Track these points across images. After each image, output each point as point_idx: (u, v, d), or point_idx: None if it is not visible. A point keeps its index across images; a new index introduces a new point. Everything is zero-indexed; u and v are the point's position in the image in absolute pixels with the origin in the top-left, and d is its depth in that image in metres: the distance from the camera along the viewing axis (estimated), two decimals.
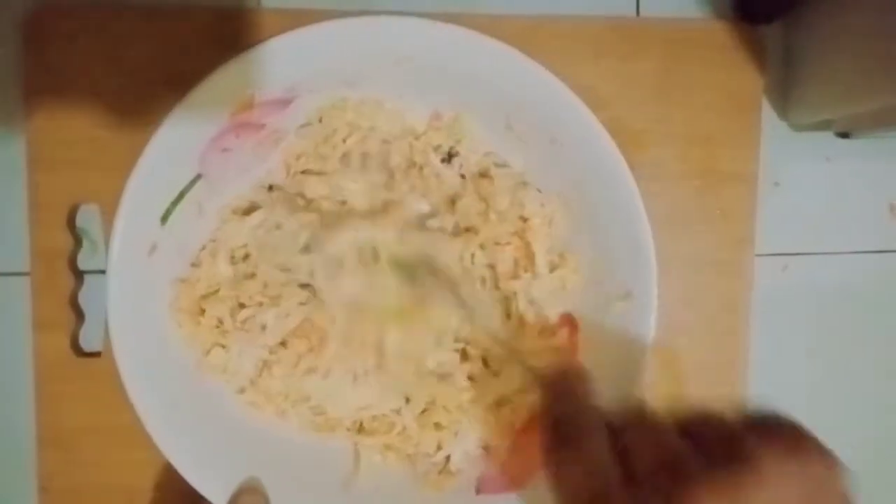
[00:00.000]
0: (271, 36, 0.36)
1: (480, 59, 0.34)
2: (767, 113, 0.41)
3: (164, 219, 0.34)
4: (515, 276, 0.37)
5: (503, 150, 0.38)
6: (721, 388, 0.41)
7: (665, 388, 0.40)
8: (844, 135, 0.42)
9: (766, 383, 0.42)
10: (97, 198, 0.37)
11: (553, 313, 0.38)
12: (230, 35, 0.37)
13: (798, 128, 0.42)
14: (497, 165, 0.37)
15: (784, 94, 0.41)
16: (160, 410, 0.33)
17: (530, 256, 0.37)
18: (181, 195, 0.34)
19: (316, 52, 0.34)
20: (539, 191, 0.37)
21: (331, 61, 0.34)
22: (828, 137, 0.42)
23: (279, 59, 0.33)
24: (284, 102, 0.35)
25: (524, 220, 0.37)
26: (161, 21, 0.37)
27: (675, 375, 0.40)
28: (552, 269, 0.37)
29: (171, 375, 0.34)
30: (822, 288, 0.43)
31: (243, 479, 0.34)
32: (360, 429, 0.37)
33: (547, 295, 0.37)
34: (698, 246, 0.40)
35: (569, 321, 0.37)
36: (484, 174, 0.37)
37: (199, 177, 0.34)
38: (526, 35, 0.38)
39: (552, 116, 0.35)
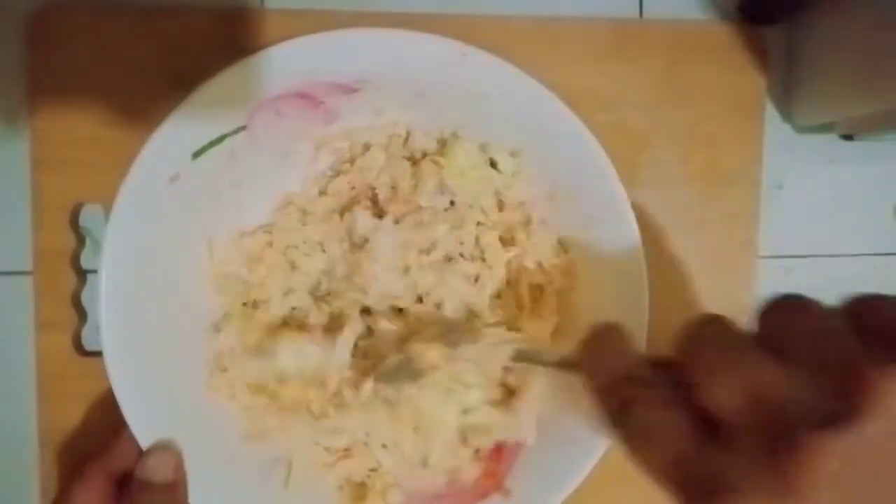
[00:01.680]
0: (275, 36, 0.36)
1: (553, 125, 0.34)
2: (771, 115, 0.41)
3: (197, 155, 0.33)
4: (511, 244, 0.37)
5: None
6: None
7: None
8: (848, 137, 0.42)
9: None
10: (100, 197, 0.37)
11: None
12: (233, 35, 0.37)
13: (801, 130, 0.42)
14: (542, 222, 0.37)
15: (787, 96, 0.41)
16: (128, 368, 0.32)
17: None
18: (222, 138, 0.33)
19: (387, 58, 0.33)
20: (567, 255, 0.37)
21: (402, 72, 0.34)
22: (831, 140, 0.42)
23: (357, 50, 0.33)
24: (351, 90, 0.35)
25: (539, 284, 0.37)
26: (163, 21, 0.37)
27: None
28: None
29: (151, 328, 0.33)
30: (824, 291, 0.42)
31: (156, 440, 0.32)
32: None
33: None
34: (700, 248, 0.40)
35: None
36: (525, 224, 0.37)
37: (243, 128, 0.34)
38: (528, 37, 0.38)
39: (592, 196, 0.34)
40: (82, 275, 0.37)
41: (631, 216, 0.34)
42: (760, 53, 0.40)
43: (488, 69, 0.33)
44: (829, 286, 0.42)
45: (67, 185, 0.36)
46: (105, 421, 0.37)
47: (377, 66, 0.33)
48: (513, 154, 0.36)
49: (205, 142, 0.33)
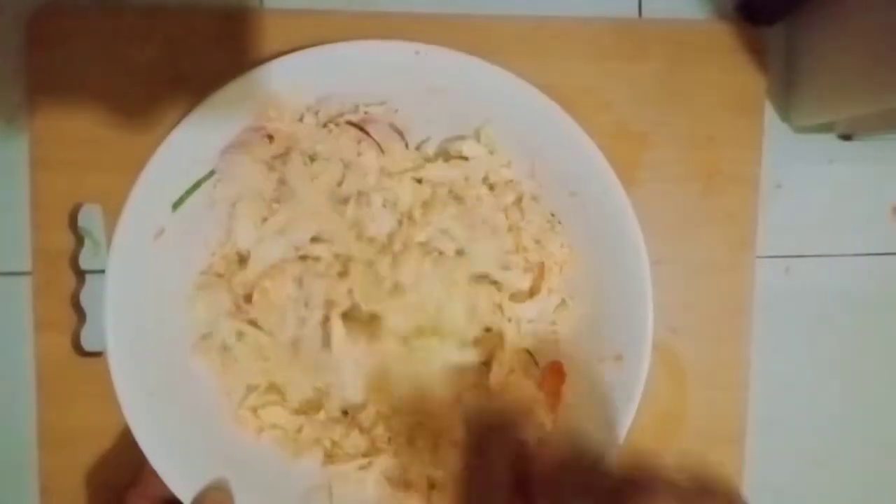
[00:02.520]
0: (273, 37, 0.36)
1: (517, 103, 0.34)
2: (770, 115, 0.41)
3: (176, 206, 0.34)
4: (515, 300, 0.37)
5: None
6: (722, 390, 0.40)
7: (667, 389, 0.40)
8: (847, 137, 0.42)
9: (768, 385, 0.42)
10: (99, 197, 0.37)
11: (541, 358, 0.37)
12: (232, 35, 0.37)
13: (800, 130, 0.42)
14: (533, 198, 0.37)
15: (786, 95, 0.41)
16: (144, 404, 0.33)
17: (534, 291, 0.37)
18: (197, 185, 0.34)
19: (354, 69, 0.33)
20: (561, 226, 0.37)
21: (367, 80, 0.34)
22: (830, 140, 0.42)
23: (308, 71, 0.33)
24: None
25: (540, 261, 0.37)
26: (163, 21, 0.37)
27: (677, 377, 0.40)
28: (552, 310, 0.37)
29: (161, 366, 0.34)
30: (823, 290, 0.43)
31: (212, 479, 0.34)
32: (330, 458, 0.36)
33: (537, 335, 0.37)
34: (700, 248, 0.40)
35: (557, 370, 0.37)
36: (517, 202, 0.37)
37: (216, 169, 0.34)
38: (528, 36, 0.38)
39: (576, 171, 0.35)
40: (81, 275, 0.37)
41: (612, 176, 0.34)
42: (759, 53, 0.40)
43: (444, 62, 0.33)
44: (828, 286, 0.43)
45: (66, 184, 0.36)
46: (104, 421, 0.37)
47: (335, 83, 0.34)
48: (476, 135, 0.36)
49: (181, 191, 0.33)
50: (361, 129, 0.35)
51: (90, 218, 0.37)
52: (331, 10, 0.37)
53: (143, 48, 0.37)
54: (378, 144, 0.35)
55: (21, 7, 0.36)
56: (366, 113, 0.35)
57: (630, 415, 0.34)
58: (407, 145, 0.36)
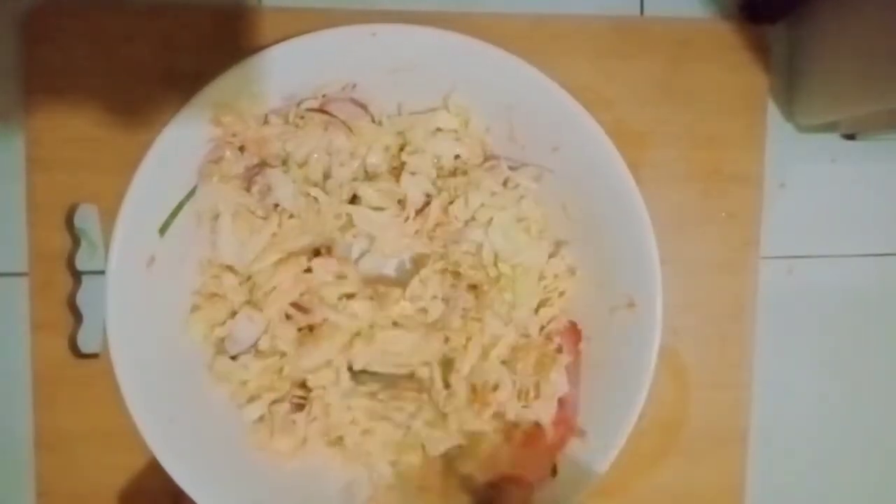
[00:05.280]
0: (272, 35, 0.36)
1: (482, 67, 0.34)
2: (773, 114, 0.41)
3: (163, 230, 0.34)
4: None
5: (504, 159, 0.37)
6: (725, 390, 0.40)
7: (669, 391, 0.40)
8: (850, 136, 0.41)
9: (771, 385, 0.41)
10: (96, 198, 0.36)
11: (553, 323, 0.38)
12: (230, 34, 0.37)
13: (804, 129, 0.41)
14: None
15: (789, 95, 0.41)
16: (157, 420, 0.33)
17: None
18: (179, 206, 0.34)
19: (315, 61, 0.33)
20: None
21: (330, 70, 0.34)
22: (833, 139, 0.42)
23: (279, 68, 0.33)
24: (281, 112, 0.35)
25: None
26: (161, 20, 0.36)
27: (680, 377, 0.40)
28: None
29: (172, 387, 0.34)
30: (827, 290, 0.42)
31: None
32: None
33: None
34: (703, 248, 0.40)
35: (573, 330, 0.37)
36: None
37: (197, 188, 0.34)
38: (528, 35, 0.38)
39: (554, 124, 0.34)
40: (78, 276, 0.37)
41: (591, 121, 0.34)
42: (762, 52, 0.40)
43: (402, 38, 0.33)
44: (832, 286, 0.42)
45: (63, 185, 0.36)
46: (101, 422, 0.36)
47: (299, 81, 0.34)
48: (445, 105, 0.36)
49: (165, 214, 0.33)
50: (324, 111, 0.35)
51: (86, 218, 0.37)
52: (330, 7, 0.37)
53: (140, 47, 0.36)
54: (345, 124, 0.35)
55: (17, 6, 0.36)
56: (324, 96, 0.35)
57: (651, 366, 0.34)
58: (373, 119, 0.36)
